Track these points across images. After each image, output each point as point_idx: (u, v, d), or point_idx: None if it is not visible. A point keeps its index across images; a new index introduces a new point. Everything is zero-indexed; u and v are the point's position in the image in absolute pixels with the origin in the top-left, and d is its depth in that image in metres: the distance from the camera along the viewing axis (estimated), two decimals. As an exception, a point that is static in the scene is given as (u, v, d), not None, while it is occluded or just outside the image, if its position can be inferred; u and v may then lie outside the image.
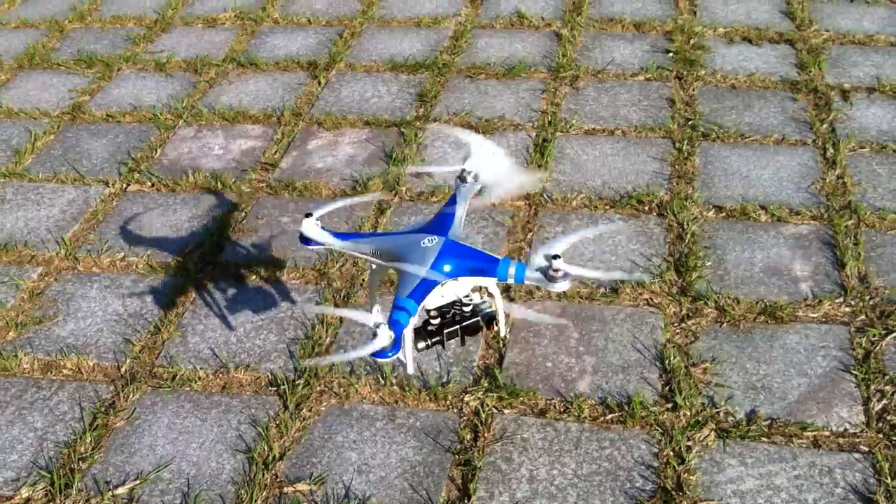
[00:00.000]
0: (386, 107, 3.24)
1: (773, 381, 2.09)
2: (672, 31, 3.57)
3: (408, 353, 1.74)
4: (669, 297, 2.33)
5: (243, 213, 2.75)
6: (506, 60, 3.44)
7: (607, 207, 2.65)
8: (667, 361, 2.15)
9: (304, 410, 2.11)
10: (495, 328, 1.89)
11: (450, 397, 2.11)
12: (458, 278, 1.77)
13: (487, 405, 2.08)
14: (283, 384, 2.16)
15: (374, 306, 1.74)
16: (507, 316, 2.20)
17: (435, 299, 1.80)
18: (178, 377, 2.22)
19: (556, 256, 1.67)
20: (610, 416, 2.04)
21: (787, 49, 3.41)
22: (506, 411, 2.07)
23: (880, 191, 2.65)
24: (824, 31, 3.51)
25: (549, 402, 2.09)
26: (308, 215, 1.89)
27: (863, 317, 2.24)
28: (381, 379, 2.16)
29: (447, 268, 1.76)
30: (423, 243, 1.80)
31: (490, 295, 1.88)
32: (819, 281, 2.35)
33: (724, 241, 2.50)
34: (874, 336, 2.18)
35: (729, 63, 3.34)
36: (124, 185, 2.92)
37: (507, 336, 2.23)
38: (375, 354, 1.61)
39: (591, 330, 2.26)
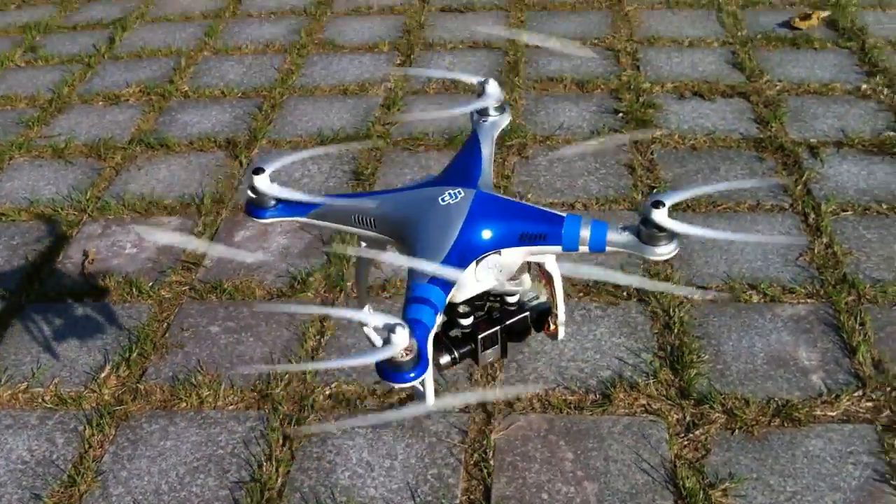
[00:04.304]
0: (319, 188, 2.91)
1: (805, 499, 1.81)
2: (618, 89, 3.33)
3: (428, 373, 1.13)
4: (669, 402, 2.04)
5: (165, 325, 2.38)
6: (445, 130, 3.15)
7: (581, 295, 2.36)
8: (680, 483, 1.85)
9: (258, 577, 1.75)
10: (551, 327, 1.32)
11: (433, 548, 1.78)
12: (502, 250, 1.22)
13: (479, 555, 1.75)
14: (231, 544, 1.80)
15: (365, 307, 1.22)
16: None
17: (467, 287, 1.22)
18: (100, 543, 1.84)
19: (658, 203, 1.15)
20: (625, 558, 1.73)
21: (743, 103, 3.21)
22: (501, 561, 1.75)
23: (874, 259, 2.42)
24: (777, 81, 3.32)
25: (550, 545, 1.77)
26: (258, 171, 1.34)
27: (888, 412, 1.99)
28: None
29: (487, 234, 1.21)
30: (444, 199, 1.25)
31: (544, 277, 1.31)
32: (831, 371, 2.10)
33: (718, 329, 2.23)
34: (904, 434, 1.93)
35: (685, 121, 3.11)
36: (22, 299, 2.52)
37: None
38: (391, 377, 1.06)
39: (587, 448, 1.95)
